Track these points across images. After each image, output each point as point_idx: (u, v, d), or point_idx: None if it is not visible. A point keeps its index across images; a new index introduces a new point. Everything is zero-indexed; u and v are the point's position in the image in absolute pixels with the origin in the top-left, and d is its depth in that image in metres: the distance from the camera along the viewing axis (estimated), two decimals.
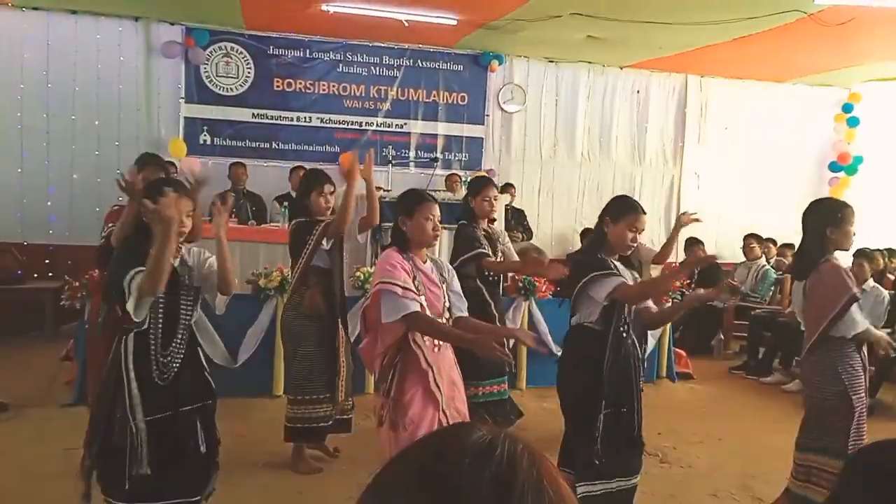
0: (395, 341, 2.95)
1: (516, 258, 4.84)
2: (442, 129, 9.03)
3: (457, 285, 3.23)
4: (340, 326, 4.20)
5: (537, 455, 0.64)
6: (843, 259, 3.70)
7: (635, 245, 3.27)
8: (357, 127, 8.76)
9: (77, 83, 7.85)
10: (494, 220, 4.53)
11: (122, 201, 4.15)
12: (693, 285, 7.92)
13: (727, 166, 9.89)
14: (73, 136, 7.88)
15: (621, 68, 9.48)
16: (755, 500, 4.04)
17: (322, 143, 8.64)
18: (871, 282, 6.29)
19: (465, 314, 3.19)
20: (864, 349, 3.49)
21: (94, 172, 7.85)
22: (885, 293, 6.40)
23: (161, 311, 2.75)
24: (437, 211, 3.08)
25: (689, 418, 5.53)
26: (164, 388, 2.74)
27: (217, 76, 8.27)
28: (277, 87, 8.46)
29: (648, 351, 5.66)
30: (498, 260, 4.44)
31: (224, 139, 8.34)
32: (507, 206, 7.65)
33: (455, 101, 9.05)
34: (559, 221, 9.31)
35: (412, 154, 8.87)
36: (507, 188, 8.45)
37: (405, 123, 8.91)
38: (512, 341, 4.67)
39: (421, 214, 3.03)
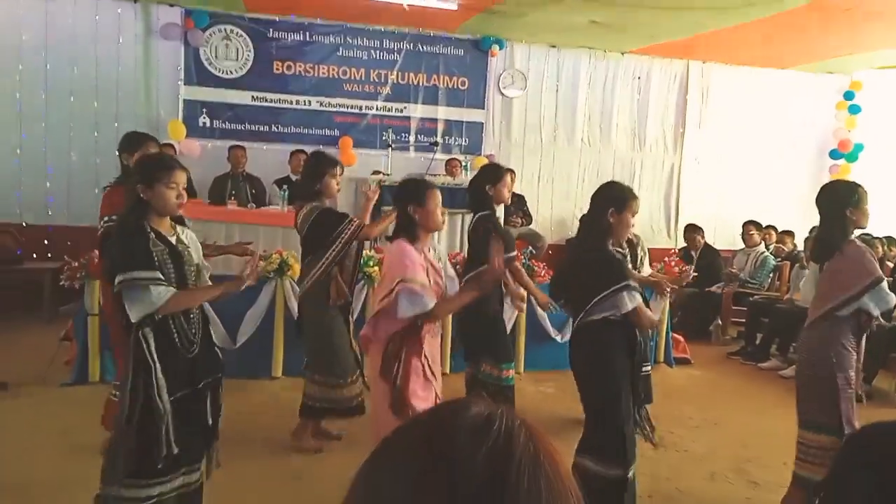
0: (399, 329, 2.99)
1: None
2: (442, 113, 9.01)
3: (450, 270, 3.30)
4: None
5: (534, 430, 0.65)
6: None
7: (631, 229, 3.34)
8: (357, 111, 8.73)
9: (76, 65, 7.82)
10: (520, 204, 4.53)
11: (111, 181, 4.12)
12: (694, 272, 7.94)
13: (727, 153, 9.88)
14: (71, 117, 7.85)
15: (622, 54, 9.44)
16: (750, 483, 4.07)
17: (322, 127, 8.62)
18: None
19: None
20: (862, 335, 3.50)
21: (92, 154, 7.84)
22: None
23: (174, 287, 2.73)
24: (440, 197, 3.16)
25: (686, 403, 5.56)
26: (185, 366, 2.75)
27: (216, 59, 8.24)
28: (277, 70, 8.43)
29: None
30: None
31: (223, 122, 8.32)
32: None
33: (455, 86, 9.02)
34: (559, 207, 9.31)
35: (412, 138, 8.85)
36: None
37: (405, 107, 8.89)
38: (510, 326, 4.71)
39: (432, 202, 3.08)
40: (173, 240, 2.79)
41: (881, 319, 6.01)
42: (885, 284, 3.36)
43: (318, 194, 4.09)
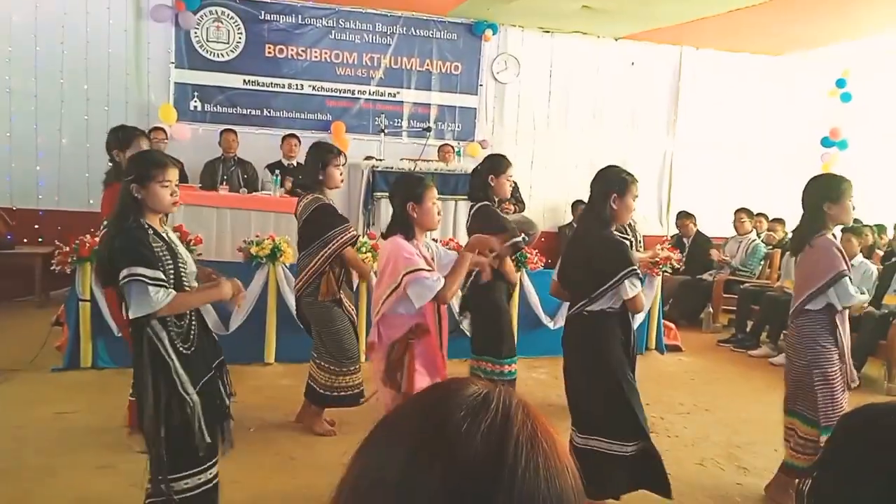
0: (401, 336, 3.01)
1: None
2: (435, 98, 8.96)
3: (440, 253, 3.29)
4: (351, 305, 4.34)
5: (532, 409, 0.65)
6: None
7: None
8: (349, 95, 8.68)
9: (65, 47, 7.73)
10: (513, 191, 4.52)
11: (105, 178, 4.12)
12: (684, 259, 7.97)
13: (720, 140, 9.89)
14: (61, 100, 7.77)
15: (616, 39, 9.41)
16: (740, 469, 4.11)
17: (314, 111, 8.56)
18: (859, 257, 6.34)
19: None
20: (844, 326, 3.51)
21: (83, 138, 7.77)
22: (873, 268, 6.47)
23: (171, 283, 2.72)
24: (436, 195, 3.17)
25: (677, 389, 5.60)
26: (195, 355, 2.75)
27: (208, 41, 8.16)
28: (269, 53, 8.36)
29: (636, 324, 5.70)
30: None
31: (215, 105, 8.25)
32: None
33: (448, 71, 8.98)
34: (552, 193, 9.29)
35: (405, 123, 8.81)
36: None
37: (398, 92, 8.84)
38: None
39: (429, 199, 3.08)
40: (167, 237, 2.79)
41: (870, 307, 6.10)
42: (847, 280, 3.38)
43: (321, 184, 4.07)
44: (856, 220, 6.81)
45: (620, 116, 9.63)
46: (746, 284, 7.66)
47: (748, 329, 7.29)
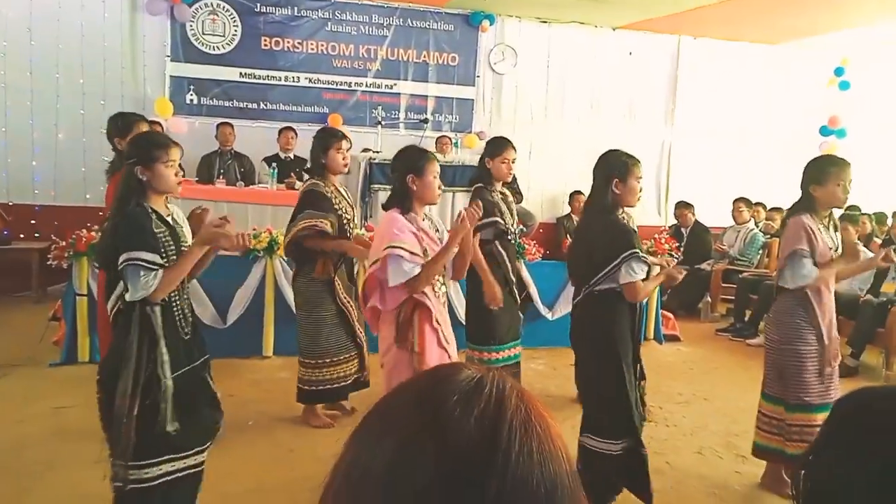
0: (407, 297, 3.01)
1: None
2: (432, 90, 8.93)
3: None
4: (351, 297, 4.26)
5: (526, 393, 0.65)
6: None
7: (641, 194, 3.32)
8: (346, 87, 8.65)
9: (61, 41, 7.69)
10: (511, 183, 4.45)
11: (106, 160, 4.11)
12: (682, 249, 7.97)
13: (718, 129, 9.86)
14: (57, 94, 7.74)
15: (613, 29, 9.38)
16: (739, 457, 4.11)
17: (311, 104, 8.54)
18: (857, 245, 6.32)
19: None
20: (823, 307, 3.48)
21: (79, 132, 7.74)
22: (869, 255, 6.45)
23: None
24: (439, 169, 3.12)
25: (675, 379, 5.60)
26: (182, 345, 2.76)
27: (203, 34, 8.13)
28: (265, 45, 8.33)
29: None
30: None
31: (211, 99, 8.22)
32: None
33: (445, 62, 8.94)
34: (550, 184, 9.27)
35: (402, 115, 8.78)
36: None
37: (395, 84, 8.81)
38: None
39: (430, 172, 3.05)
40: (170, 219, 2.77)
41: (868, 295, 6.09)
42: (802, 258, 3.40)
43: (324, 169, 4.07)
44: (853, 207, 6.81)
45: (618, 106, 9.60)
46: (745, 274, 7.65)
47: (746, 318, 7.29)
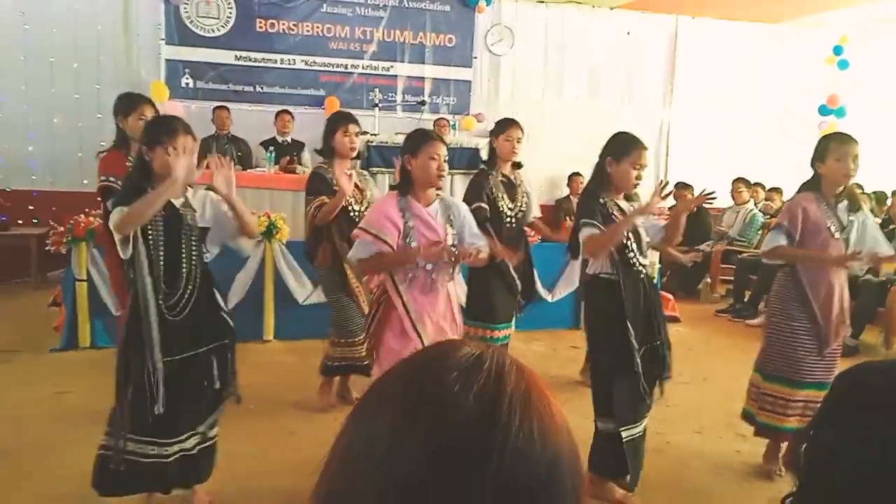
0: (384, 280, 3.03)
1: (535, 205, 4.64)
2: (429, 71, 8.88)
3: (469, 223, 3.18)
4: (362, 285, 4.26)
5: (525, 369, 0.64)
6: None
7: (640, 183, 3.22)
8: (343, 70, 8.60)
9: (54, 24, 7.62)
10: (519, 163, 4.42)
11: (104, 145, 4.07)
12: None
13: (717, 109, 9.82)
14: (51, 79, 7.69)
15: (611, 9, 9.31)
16: (739, 436, 4.13)
17: (307, 87, 8.48)
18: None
19: (480, 245, 3.16)
20: (817, 288, 3.46)
21: (74, 117, 7.70)
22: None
23: (162, 249, 2.74)
24: (442, 150, 3.03)
25: (675, 359, 5.50)
26: (183, 329, 2.77)
27: (198, 17, 8.05)
28: (260, 28, 8.26)
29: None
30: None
31: (207, 82, 8.17)
32: None
33: (442, 43, 8.88)
34: (548, 166, 9.24)
35: (399, 98, 8.74)
36: None
37: (391, 66, 8.75)
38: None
39: (426, 153, 2.99)
40: (178, 202, 2.78)
41: (868, 274, 6.09)
42: (776, 231, 3.46)
43: (332, 152, 4.06)
44: (857, 187, 6.77)
45: (616, 87, 9.55)
46: (744, 254, 7.66)
47: (746, 299, 7.30)
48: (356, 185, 4.12)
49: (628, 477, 3.22)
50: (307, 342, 5.41)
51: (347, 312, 4.14)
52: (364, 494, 0.58)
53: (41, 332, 5.27)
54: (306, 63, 8.45)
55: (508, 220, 4.17)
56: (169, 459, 2.82)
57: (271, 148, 7.17)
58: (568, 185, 8.93)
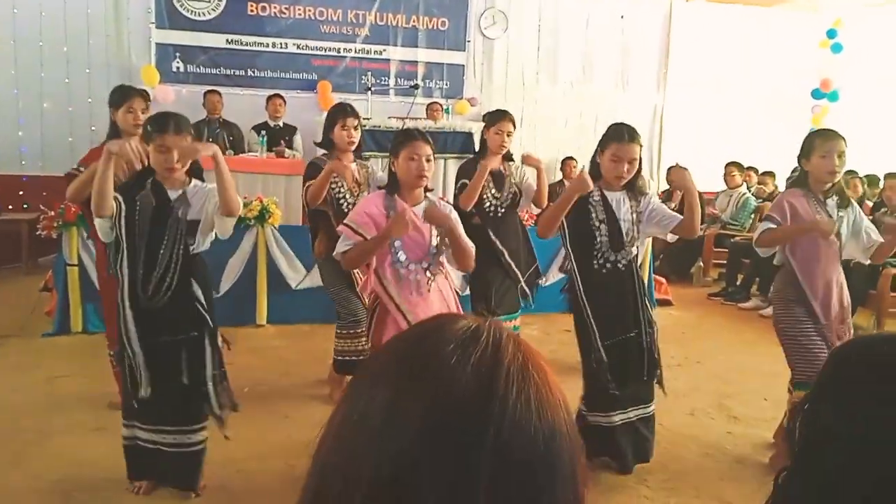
0: (372, 293, 3.06)
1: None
2: (422, 55, 8.83)
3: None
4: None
5: (523, 343, 0.64)
6: None
7: (625, 177, 3.18)
8: (335, 53, 8.54)
9: (43, 8, 7.54)
10: (510, 155, 4.39)
11: (94, 130, 4.04)
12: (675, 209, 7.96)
13: (710, 93, 9.81)
14: (41, 63, 7.61)
15: None
16: (731, 418, 4.15)
17: (299, 71, 8.43)
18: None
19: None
20: (814, 280, 3.41)
21: (64, 101, 7.63)
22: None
23: (145, 239, 2.81)
24: (424, 150, 2.95)
25: (668, 342, 5.59)
26: (154, 315, 2.81)
27: (189, 0, 7.97)
28: (251, 11, 8.19)
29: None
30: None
31: (198, 66, 8.10)
32: None
33: (435, 27, 8.82)
34: (542, 151, 9.14)
35: (392, 82, 8.68)
36: None
37: (384, 50, 8.70)
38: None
39: (405, 154, 2.95)
40: (174, 195, 2.86)
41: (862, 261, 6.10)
42: (765, 223, 3.44)
43: (331, 145, 4.04)
44: (850, 172, 6.78)
45: (610, 71, 9.52)
46: (737, 238, 7.67)
47: (738, 282, 7.32)
48: (354, 178, 4.07)
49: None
50: (300, 326, 5.41)
51: (348, 305, 4.09)
52: (359, 468, 0.58)
53: (33, 317, 5.25)
54: (298, 47, 8.39)
55: (492, 207, 4.16)
56: (150, 446, 2.92)
57: (263, 132, 7.12)
58: (561, 169, 8.91)
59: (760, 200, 8.18)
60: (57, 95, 7.64)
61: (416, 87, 8.05)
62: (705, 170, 9.00)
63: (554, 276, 6.20)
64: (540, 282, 6.07)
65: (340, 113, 4.05)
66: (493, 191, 4.17)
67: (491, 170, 4.14)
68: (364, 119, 6.75)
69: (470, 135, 6.72)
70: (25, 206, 7.39)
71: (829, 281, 3.42)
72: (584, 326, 3.22)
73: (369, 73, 8.44)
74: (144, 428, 2.92)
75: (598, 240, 3.17)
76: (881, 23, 9.91)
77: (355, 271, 4.07)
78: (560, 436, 0.60)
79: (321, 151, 4.17)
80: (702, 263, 8.03)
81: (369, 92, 7.47)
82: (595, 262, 3.19)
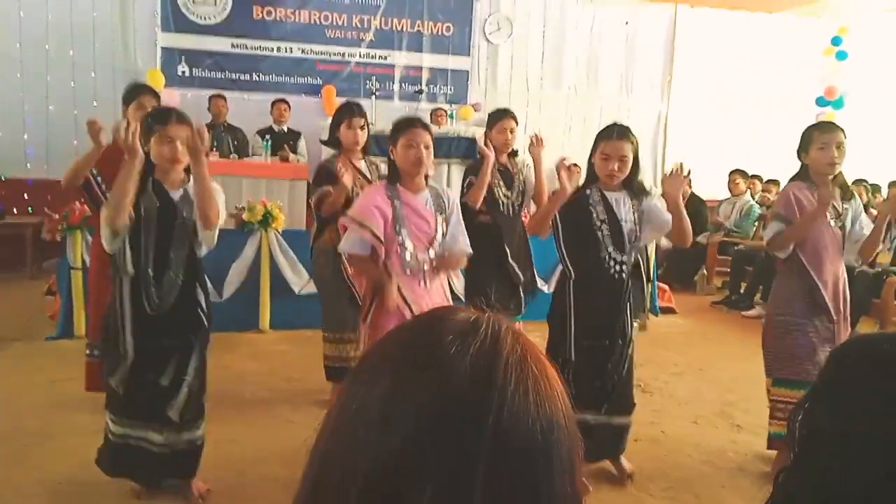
0: (366, 288, 3.05)
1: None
2: (427, 60, 8.84)
3: (456, 218, 3.14)
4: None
5: (522, 335, 0.65)
6: None
7: (616, 175, 3.14)
8: (339, 58, 8.55)
9: (50, 11, 7.58)
10: (515, 152, 4.40)
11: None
12: None
13: (715, 100, 9.80)
14: (47, 66, 7.65)
15: None
16: (734, 426, 4.14)
17: (304, 75, 8.45)
18: None
19: (465, 247, 3.11)
20: (807, 279, 3.42)
21: (70, 104, 7.66)
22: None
23: (153, 239, 2.75)
24: (423, 137, 2.94)
25: (671, 350, 5.63)
26: (159, 318, 2.77)
27: (194, 4, 8.00)
28: (257, 15, 8.21)
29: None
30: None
31: (203, 70, 8.13)
32: None
33: (440, 32, 8.84)
34: (546, 156, 9.17)
35: (396, 87, 8.70)
36: None
37: (389, 55, 8.71)
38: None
39: (403, 141, 2.94)
40: (177, 195, 2.79)
41: (864, 266, 6.09)
42: (774, 220, 3.43)
43: (338, 144, 4.05)
44: (860, 181, 6.76)
45: (614, 77, 9.53)
46: (740, 246, 7.67)
47: (742, 290, 7.31)
48: (364, 176, 4.05)
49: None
50: (303, 332, 5.41)
51: (336, 303, 4.05)
52: (358, 458, 0.58)
53: (37, 320, 5.26)
54: (303, 51, 8.41)
55: (504, 206, 4.19)
56: (142, 445, 2.88)
57: (267, 136, 7.15)
58: (557, 174, 8.90)
59: (764, 208, 8.17)
60: (62, 99, 7.67)
61: (420, 92, 8.08)
62: (709, 177, 9.02)
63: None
64: (544, 289, 6.10)
65: (347, 112, 4.05)
66: (504, 189, 4.18)
67: (498, 168, 4.15)
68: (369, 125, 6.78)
69: (473, 140, 6.73)
70: (30, 209, 7.42)
71: (836, 271, 3.44)
72: (561, 320, 3.17)
73: (374, 78, 8.45)
74: (134, 423, 2.87)
75: (602, 240, 3.17)
76: (886, 30, 9.90)
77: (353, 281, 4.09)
78: (558, 428, 0.60)
79: (327, 153, 4.17)
80: (705, 271, 8.02)
81: (374, 97, 7.48)
82: (598, 261, 3.16)
